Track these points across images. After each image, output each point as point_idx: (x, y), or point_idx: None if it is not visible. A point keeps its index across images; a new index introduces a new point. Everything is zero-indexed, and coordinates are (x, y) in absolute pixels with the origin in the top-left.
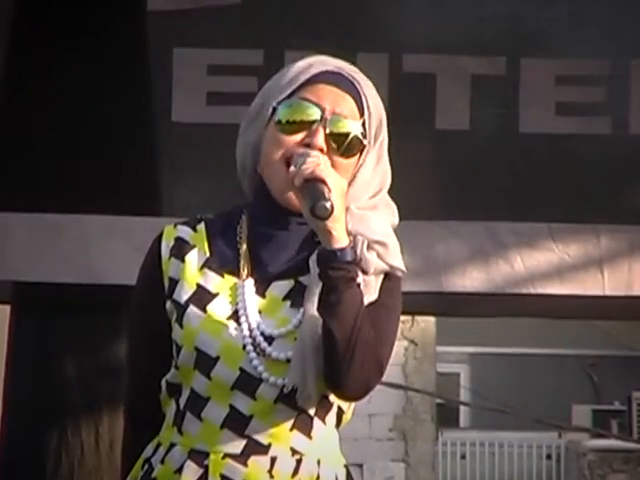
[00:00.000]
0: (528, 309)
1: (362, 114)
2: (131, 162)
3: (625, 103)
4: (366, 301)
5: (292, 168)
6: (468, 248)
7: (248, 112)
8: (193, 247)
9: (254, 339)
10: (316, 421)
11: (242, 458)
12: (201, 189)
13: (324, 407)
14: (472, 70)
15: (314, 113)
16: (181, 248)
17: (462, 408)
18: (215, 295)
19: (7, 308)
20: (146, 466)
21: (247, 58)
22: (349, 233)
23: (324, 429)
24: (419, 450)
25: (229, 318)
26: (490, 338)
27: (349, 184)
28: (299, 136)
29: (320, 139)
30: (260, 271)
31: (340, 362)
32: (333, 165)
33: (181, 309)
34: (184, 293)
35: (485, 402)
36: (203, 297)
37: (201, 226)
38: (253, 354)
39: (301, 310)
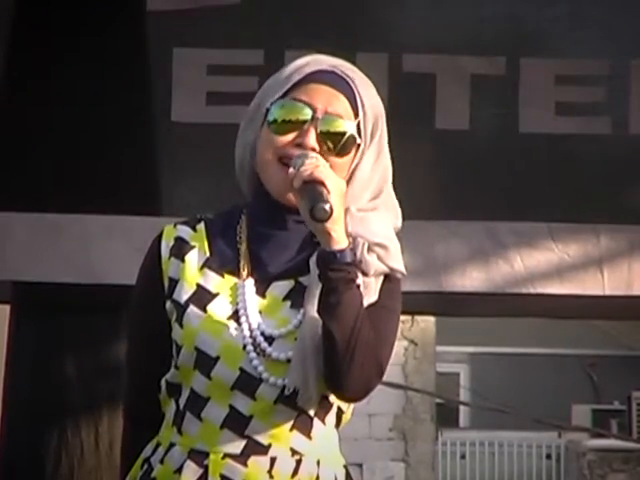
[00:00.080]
0: (528, 309)
1: (356, 112)
2: (131, 162)
3: (625, 103)
4: (366, 302)
5: (291, 170)
6: (468, 248)
7: (247, 112)
8: (193, 247)
9: (254, 339)
10: (316, 421)
11: (242, 458)
12: (201, 189)
13: (324, 407)
14: (472, 70)
15: (305, 113)
16: (181, 248)
17: (462, 408)
18: (215, 295)
19: (7, 308)
20: (145, 466)
21: (247, 58)
22: (349, 235)
23: (324, 429)
24: (419, 450)
25: (229, 318)
26: (490, 338)
27: (348, 183)
28: (290, 136)
29: (311, 139)
30: (260, 271)
31: (340, 363)
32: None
33: (181, 309)
34: (184, 293)
35: (485, 402)
36: (203, 297)
37: (201, 226)
38: (253, 354)
39: (301, 310)
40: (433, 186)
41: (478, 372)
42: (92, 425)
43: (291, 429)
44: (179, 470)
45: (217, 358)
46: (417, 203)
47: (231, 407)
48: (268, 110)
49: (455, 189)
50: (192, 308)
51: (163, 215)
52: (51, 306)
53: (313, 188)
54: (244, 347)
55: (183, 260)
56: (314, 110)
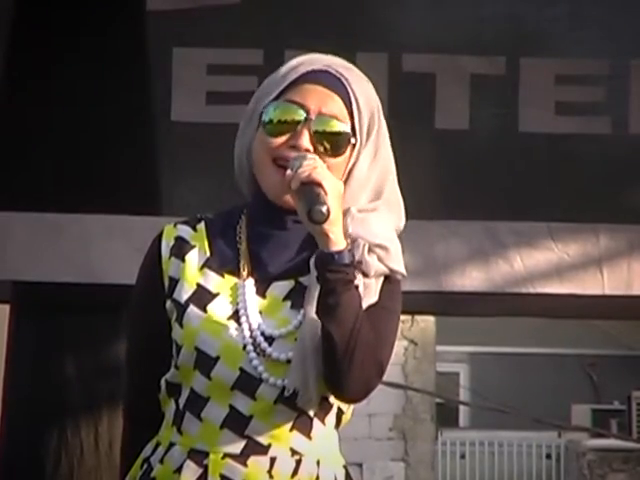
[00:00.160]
0: (528, 309)
1: (351, 112)
2: (131, 162)
3: (625, 103)
4: (366, 303)
5: (288, 171)
6: (468, 248)
7: (245, 113)
8: (193, 247)
9: (254, 339)
10: (316, 422)
11: (242, 458)
12: (201, 188)
13: (324, 408)
14: (472, 70)
15: (298, 114)
16: (181, 248)
17: (462, 408)
18: (215, 295)
19: (7, 308)
20: (145, 465)
21: (247, 58)
22: (350, 236)
23: (324, 429)
24: (419, 450)
25: (229, 318)
26: (490, 338)
27: (345, 183)
28: (284, 138)
29: (305, 140)
30: (260, 271)
31: (340, 364)
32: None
33: (181, 309)
34: (184, 293)
35: (485, 402)
36: (203, 297)
37: (201, 226)
38: (253, 354)
39: (301, 311)
40: (433, 186)
41: (478, 372)
42: (92, 425)
43: (291, 429)
44: (179, 470)
45: (217, 358)
46: (417, 203)
47: (231, 407)
48: (262, 111)
49: (455, 189)
50: (192, 308)
51: (163, 215)
52: (51, 306)
53: (310, 190)
54: (244, 347)
55: (183, 260)
56: (307, 111)
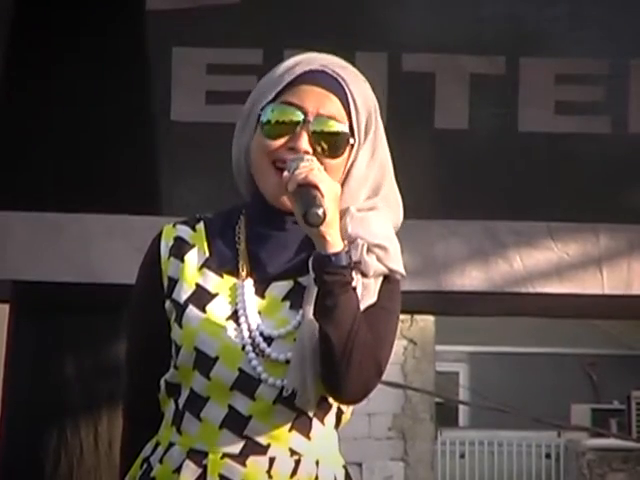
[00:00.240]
0: (527, 308)
1: (349, 111)
2: (131, 161)
3: (624, 102)
4: (365, 303)
5: (285, 173)
6: (467, 247)
7: (241, 114)
8: (192, 247)
9: (253, 340)
10: (315, 422)
11: (241, 458)
12: (200, 188)
13: (323, 408)
14: (471, 69)
15: (296, 116)
16: (180, 248)
17: (461, 407)
18: (214, 295)
19: (6, 307)
20: (145, 465)
21: (246, 57)
22: (349, 236)
23: (323, 430)
24: (418, 449)
25: (228, 318)
26: (489, 337)
27: (344, 182)
28: (283, 140)
29: (304, 142)
30: (259, 271)
31: (337, 366)
32: (322, 167)
33: (180, 309)
34: (183, 293)
35: (484, 401)
36: (202, 297)
37: (200, 226)
38: (252, 355)
39: (300, 311)
40: (432, 185)
41: (477, 371)
42: (91, 425)
43: (290, 429)
44: (178, 470)
45: (216, 358)
46: (416, 202)
47: (230, 407)
48: (260, 114)
49: (454, 189)
50: (191, 308)
51: (163, 214)
52: (51, 305)
53: (307, 192)
54: (243, 348)
55: (182, 260)
56: (305, 113)
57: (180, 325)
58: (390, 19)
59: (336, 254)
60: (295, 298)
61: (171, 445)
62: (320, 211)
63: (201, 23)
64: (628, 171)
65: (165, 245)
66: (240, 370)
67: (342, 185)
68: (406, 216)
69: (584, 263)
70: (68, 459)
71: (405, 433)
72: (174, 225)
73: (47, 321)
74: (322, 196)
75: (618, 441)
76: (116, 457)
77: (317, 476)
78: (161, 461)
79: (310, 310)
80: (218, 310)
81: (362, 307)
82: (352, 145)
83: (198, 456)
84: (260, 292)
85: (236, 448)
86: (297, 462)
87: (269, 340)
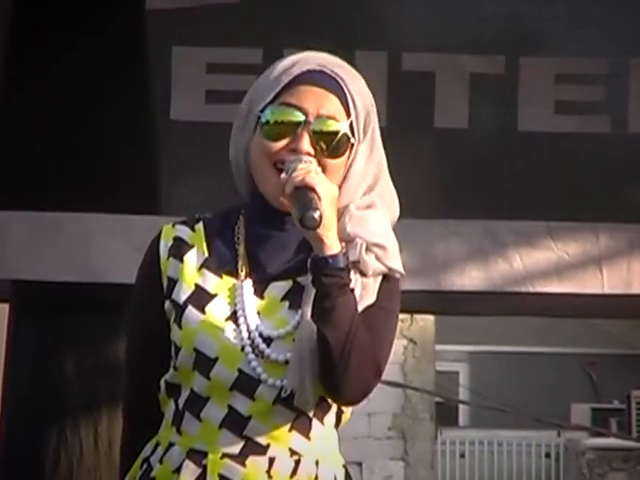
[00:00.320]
0: (527, 308)
1: (348, 111)
2: (130, 161)
3: (624, 102)
4: (364, 303)
5: (283, 175)
6: (467, 247)
7: (238, 115)
8: (192, 247)
9: (253, 340)
10: (315, 422)
11: (240, 458)
12: (200, 187)
13: (323, 408)
14: (471, 69)
15: (297, 117)
16: (180, 248)
17: (461, 407)
18: (214, 296)
19: (6, 307)
20: (145, 465)
21: (246, 56)
22: (348, 235)
23: (323, 429)
24: (418, 449)
25: (228, 319)
26: (489, 337)
27: (344, 180)
28: (284, 141)
29: (305, 143)
30: (258, 272)
31: (335, 368)
32: (323, 168)
33: (180, 309)
34: (183, 293)
35: (484, 401)
36: (202, 298)
37: (199, 226)
38: (252, 355)
39: (299, 311)
40: (432, 185)
41: (477, 371)
42: (91, 425)
43: (290, 429)
44: (178, 470)
45: (216, 359)
46: (416, 202)
47: (230, 407)
48: (260, 115)
49: (454, 188)
50: (191, 309)
51: (163, 214)
52: (51, 305)
53: (304, 195)
54: (242, 348)
55: (182, 260)
56: (306, 113)
57: (179, 326)
58: (390, 18)
59: (334, 256)
60: (294, 298)
61: (171, 445)
62: (316, 214)
63: (201, 22)
64: (628, 170)
65: (164, 245)
66: (240, 371)
67: (341, 183)
68: (406, 215)
69: (584, 262)
70: (68, 459)
71: (405, 433)
72: (173, 225)
73: (47, 320)
74: (319, 199)
75: (618, 441)
76: (116, 457)
77: (317, 476)
78: (161, 461)
79: (309, 311)
80: (217, 311)
81: (361, 307)
82: (352, 144)
83: (198, 456)
84: (259, 292)
85: (236, 448)
86: (297, 462)
87: (268, 341)
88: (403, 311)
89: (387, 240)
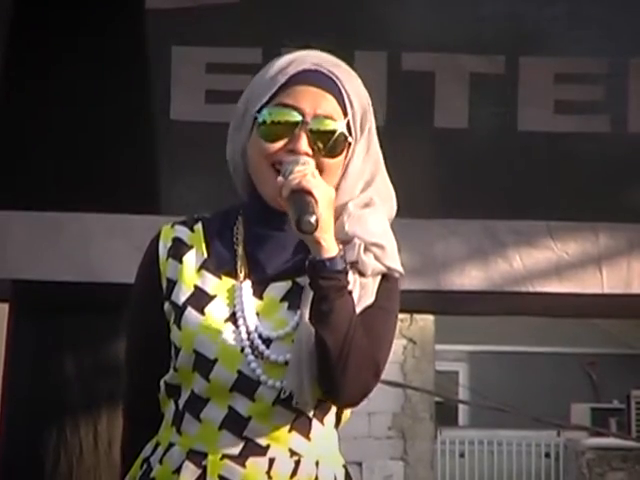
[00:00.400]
0: (527, 307)
1: (345, 110)
2: (130, 160)
3: (624, 101)
4: (364, 303)
5: (280, 178)
6: (467, 247)
7: (234, 115)
8: (191, 248)
9: (252, 342)
10: (315, 422)
11: (240, 459)
12: (200, 187)
13: (322, 408)
14: (471, 68)
15: (294, 117)
16: (179, 249)
17: (461, 406)
18: (213, 297)
19: (6, 306)
20: (145, 466)
21: (246, 56)
22: (346, 234)
23: (323, 430)
24: (418, 449)
25: (227, 320)
26: (489, 336)
27: (341, 178)
28: (282, 142)
29: (303, 144)
30: (257, 272)
31: (334, 370)
32: (321, 167)
33: (179, 310)
34: (182, 294)
35: (484, 401)
36: (201, 299)
37: (198, 226)
38: (251, 357)
39: (298, 312)
40: (432, 185)
41: (477, 371)
42: (91, 424)
43: (290, 430)
44: (178, 470)
45: (215, 360)
46: (416, 202)
47: (230, 408)
48: (256, 116)
49: (454, 188)
50: (190, 310)
51: (162, 213)
52: (50, 305)
53: (300, 198)
54: (242, 350)
55: (181, 261)
56: (303, 114)
57: (179, 327)
58: (390, 18)
59: (331, 259)
60: (293, 299)
61: (171, 445)
62: (313, 219)
63: (201, 22)
64: (628, 170)
65: (163, 246)
66: (239, 372)
67: (339, 181)
68: (406, 215)
69: (584, 262)
70: (67, 458)
71: (405, 432)
72: (172, 226)
73: (47, 320)
74: (316, 202)
75: (618, 440)
76: (115, 457)
77: (317, 476)
78: (161, 461)
79: (307, 313)
80: (217, 312)
81: (360, 307)
82: (349, 143)
83: (198, 457)
84: (258, 293)
85: (236, 449)
86: (297, 463)
87: (268, 342)
88: (403, 311)
89: (385, 240)
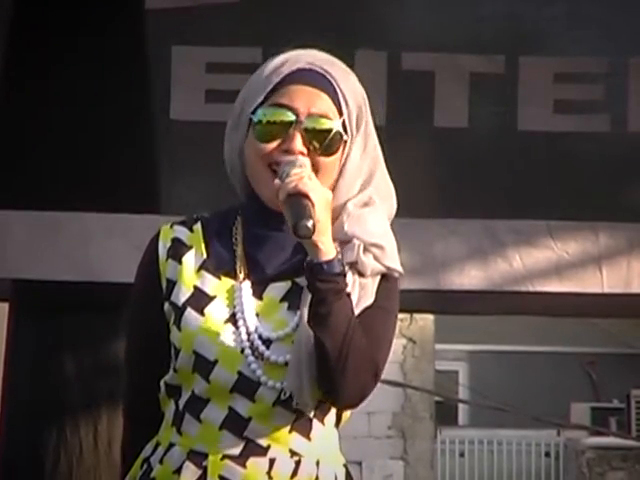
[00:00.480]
0: (527, 307)
1: (340, 108)
2: (130, 160)
3: (623, 101)
4: (363, 304)
5: (277, 181)
6: (467, 246)
7: (231, 116)
8: (190, 248)
9: (252, 343)
10: (315, 422)
11: (241, 459)
12: (200, 186)
13: (323, 409)
14: (471, 68)
15: (288, 117)
16: (178, 249)
17: (461, 406)
18: (212, 298)
19: (6, 306)
20: (145, 465)
21: (246, 56)
22: (345, 234)
23: (323, 430)
24: (418, 448)
25: (227, 321)
26: (489, 336)
27: (339, 176)
28: (277, 142)
29: (298, 143)
30: (257, 273)
31: (332, 372)
32: (317, 166)
33: (179, 311)
34: (182, 295)
35: (484, 400)
36: (201, 300)
37: (197, 226)
38: (251, 358)
39: (298, 313)
40: (432, 184)
41: (477, 370)
42: (91, 424)
43: (290, 431)
44: (178, 471)
45: (215, 362)
46: (416, 201)
47: (230, 409)
48: (251, 117)
49: (454, 187)
50: (190, 311)
51: (162, 213)
52: (50, 304)
53: (297, 202)
54: (242, 351)
55: (180, 262)
56: (297, 113)
57: (179, 328)
58: (390, 18)
59: (329, 262)
60: (293, 299)
61: (171, 446)
62: (309, 223)
63: (201, 22)
64: (627, 169)
65: (163, 247)
66: (239, 373)
67: (337, 180)
68: (405, 215)
69: (584, 262)
70: (67, 458)
71: (405, 432)
72: (171, 226)
73: (46, 320)
74: (312, 205)
75: (618, 440)
76: (115, 456)
77: (317, 476)
78: (161, 461)
79: (306, 314)
80: (216, 313)
81: (360, 308)
82: (345, 141)
83: (198, 457)
84: (258, 293)
85: (236, 449)
86: (297, 463)
87: (268, 342)
88: (402, 310)
89: (385, 240)
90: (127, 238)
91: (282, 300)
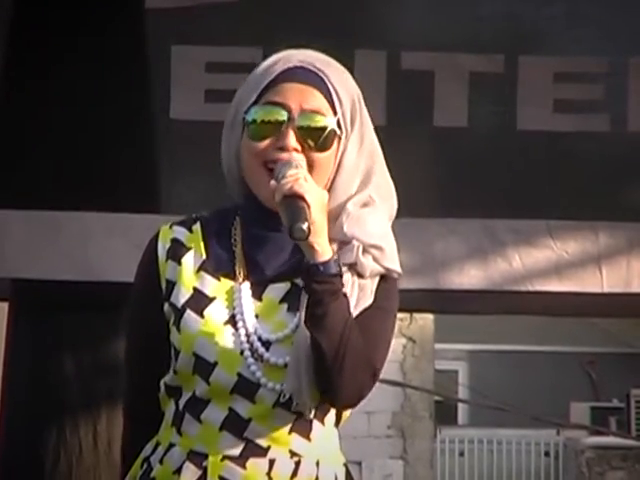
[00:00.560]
0: (526, 307)
1: (333, 104)
2: (130, 159)
3: (623, 100)
4: (362, 306)
5: (272, 182)
6: (466, 246)
7: (227, 117)
8: (189, 249)
9: (251, 344)
10: (315, 423)
11: (241, 460)
12: (199, 186)
13: (323, 409)
14: (470, 68)
15: (280, 115)
16: (177, 250)
17: (460, 405)
18: (212, 299)
19: (5, 305)
20: (145, 465)
21: (245, 55)
22: (344, 235)
23: (323, 430)
24: (417, 447)
25: (226, 323)
26: (488, 335)
27: (336, 174)
28: (270, 140)
29: (291, 140)
30: (256, 274)
31: (330, 372)
32: (312, 163)
33: (178, 313)
34: (181, 296)
35: (483, 400)
36: (200, 301)
37: (197, 226)
38: (251, 360)
39: (298, 314)
40: (431, 184)
41: (477, 370)
42: (90, 424)
43: (290, 431)
44: (178, 471)
45: (215, 363)
46: (415, 201)
47: (230, 410)
48: (245, 116)
49: (453, 187)
50: (189, 312)
51: (162, 212)
52: (50, 303)
53: (292, 204)
54: (241, 352)
55: (179, 263)
56: (289, 110)
57: (178, 330)
58: (389, 17)
59: (325, 263)
60: (292, 300)
61: (171, 446)
62: (305, 226)
63: (200, 21)
64: (627, 169)
65: (162, 247)
66: (239, 375)
67: (334, 177)
68: (405, 214)
69: (583, 261)
70: (67, 458)
71: (404, 431)
72: (170, 226)
73: (46, 319)
74: (308, 207)
75: (617, 439)
76: (115, 456)
77: (317, 476)
78: (161, 461)
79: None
80: (216, 314)
81: (358, 309)
82: (339, 137)
83: (198, 458)
84: (257, 294)
85: (236, 450)
86: (297, 463)
87: (267, 344)
88: (402, 310)
89: (384, 241)
90: (127, 237)
91: (282, 301)
